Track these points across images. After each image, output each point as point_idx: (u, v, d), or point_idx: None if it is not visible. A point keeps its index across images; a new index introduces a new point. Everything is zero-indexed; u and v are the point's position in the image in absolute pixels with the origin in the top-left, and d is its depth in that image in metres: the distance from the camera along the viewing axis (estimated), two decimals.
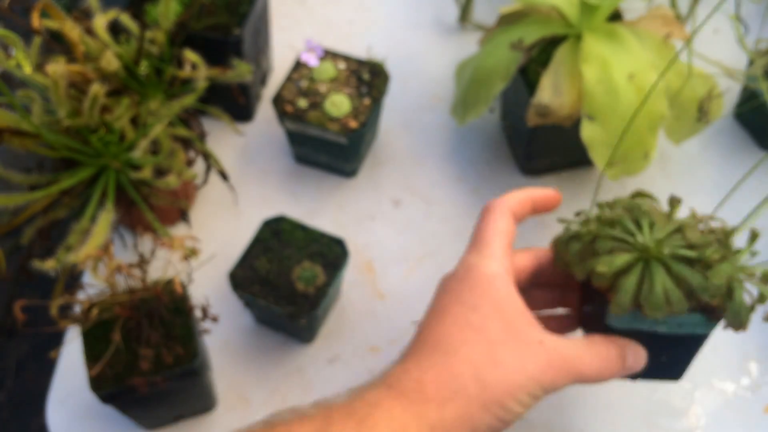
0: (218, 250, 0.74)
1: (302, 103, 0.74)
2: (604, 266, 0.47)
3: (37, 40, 0.61)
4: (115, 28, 0.67)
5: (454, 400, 0.44)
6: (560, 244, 0.53)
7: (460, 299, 0.49)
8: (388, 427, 0.42)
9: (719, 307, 0.48)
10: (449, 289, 0.50)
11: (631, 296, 0.47)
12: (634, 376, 0.53)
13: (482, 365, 0.46)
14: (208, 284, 0.72)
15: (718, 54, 0.83)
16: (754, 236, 0.52)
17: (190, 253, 0.60)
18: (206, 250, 0.72)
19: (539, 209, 0.56)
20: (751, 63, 0.78)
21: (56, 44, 0.66)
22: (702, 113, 0.71)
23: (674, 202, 0.52)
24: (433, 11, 0.95)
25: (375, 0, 0.97)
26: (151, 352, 0.57)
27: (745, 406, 0.68)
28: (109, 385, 0.56)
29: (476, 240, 0.52)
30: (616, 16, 0.74)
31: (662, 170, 0.82)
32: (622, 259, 0.48)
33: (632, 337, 0.51)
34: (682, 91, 0.70)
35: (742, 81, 0.80)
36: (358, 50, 0.85)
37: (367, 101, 0.75)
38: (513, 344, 0.47)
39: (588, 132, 0.67)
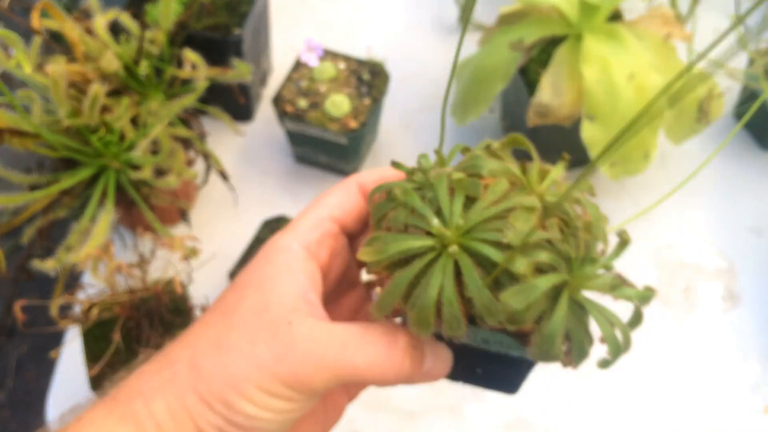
0: (218, 250, 0.74)
1: (302, 103, 0.74)
2: (369, 254, 0.35)
3: (37, 40, 0.61)
4: (115, 28, 0.67)
5: (164, 392, 0.34)
6: (373, 205, 0.39)
7: (233, 287, 0.38)
8: None
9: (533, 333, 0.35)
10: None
11: (399, 296, 0.35)
12: (457, 378, 0.41)
13: (203, 350, 0.35)
14: (208, 284, 0.72)
15: (718, 54, 0.83)
16: (623, 242, 0.38)
17: (190, 253, 0.60)
18: (206, 250, 0.72)
19: None
20: (751, 62, 0.78)
21: (56, 44, 0.66)
22: (702, 113, 0.71)
23: (543, 170, 0.38)
24: (433, 11, 0.95)
25: (375, 0, 0.96)
26: (151, 352, 0.56)
27: (745, 406, 0.68)
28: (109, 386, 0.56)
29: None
30: (616, 16, 0.74)
31: (662, 170, 0.82)
32: (398, 246, 0.35)
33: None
34: (682, 91, 0.69)
35: (742, 81, 0.80)
36: (358, 50, 0.85)
37: (367, 101, 0.75)
38: (251, 326, 0.35)
39: (588, 132, 0.67)
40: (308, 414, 0.40)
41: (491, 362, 0.39)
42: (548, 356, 0.34)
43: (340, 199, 0.40)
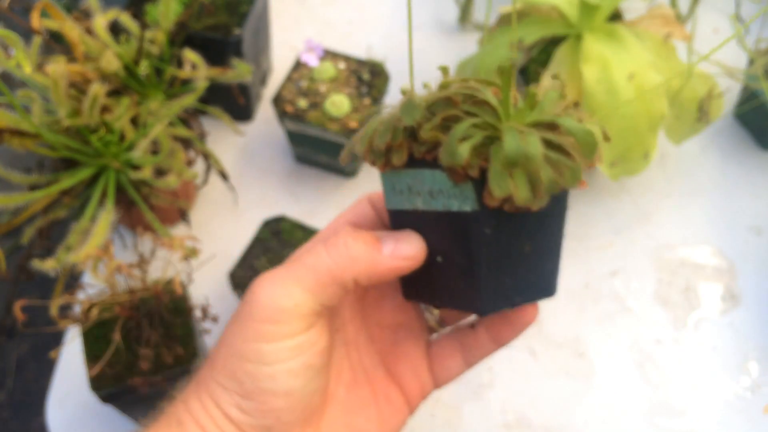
0: (218, 250, 0.74)
1: (302, 103, 0.74)
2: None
3: (37, 40, 0.61)
4: (115, 28, 0.67)
5: (197, 391, 0.37)
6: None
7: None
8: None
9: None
10: None
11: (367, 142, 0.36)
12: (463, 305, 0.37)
13: (213, 353, 0.39)
14: (208, 284, 0.72)
15: (718, 54, 0.83)
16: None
17: (190, 253, 0.60)
18: (206, 250, 0.72)
19: None
20: (751, 62, 0.78)
21: (56, 44, 0.66)
22: (702, 113, 0.71)
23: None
24: (433, 11, 0.95)
25: (375, 0, 0.96)
26: (151, 352, 0.56)
27: (745, 406, 0.68)
28: (109, 385, 0.56)
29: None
30: (616, 16, 0.74)
31: (662, 170, 0.82)
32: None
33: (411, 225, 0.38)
34: (682, 91, 0.70)
35: (742, 81, 0.80)
36: (358, 50, 0.85)
37: (367, 101, 0.75)
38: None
39: None
40: (357, 407, 0.41)
41: (451, 237, 0.36)
42: (451, 156, 0.32)
43: (354, 212, 0.42)
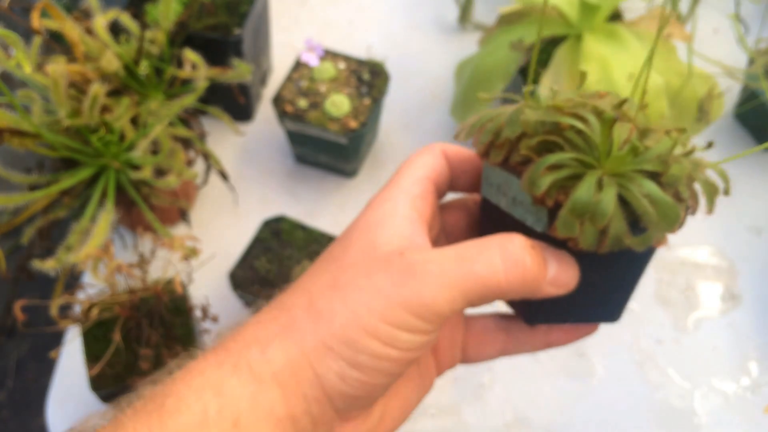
0: (218, 250, 0.74)
1: (302, 103, 0.74)
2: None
3: (37, 40, 0.61)
4: (115, 28, 0.67)
5: (283, 338, 0.33)
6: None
7: (339, 239, 0.37)
8: (198, 391, 0.32)
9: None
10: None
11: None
12: (560, 317, 0.38)
13: (319, 292, 0.34)
14: (208, 284, 0.72)
15: (718, 54, 0.83)
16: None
17: (190, 253, 0.60)
18: (206, 250, 0.72)
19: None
20: (751, 62, 0.78)
21: (56, 44, 0.66)
22: (702, 113, 0.71)
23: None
24: (433, 11, 0.95)
25: (375, 0, 0.96)
26: (151, 352, 0.57)
27: (745, 406, 0.68)
28: (109, 385, 0.56)
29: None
30: (616, 16, 0.74)
31: None
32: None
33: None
34: (682, 91, 0.70)
35: (742, 81, 0.80)
36: (358, 50, 0.85)
37: (367, 101, 0.75)
38: (364, 263, 0.34)
39: None
40: (406, 377, 0.39)
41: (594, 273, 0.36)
42: (531, 188, 0.33)
43: (432, 161, 0.39)
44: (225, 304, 0.72)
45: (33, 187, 0.63)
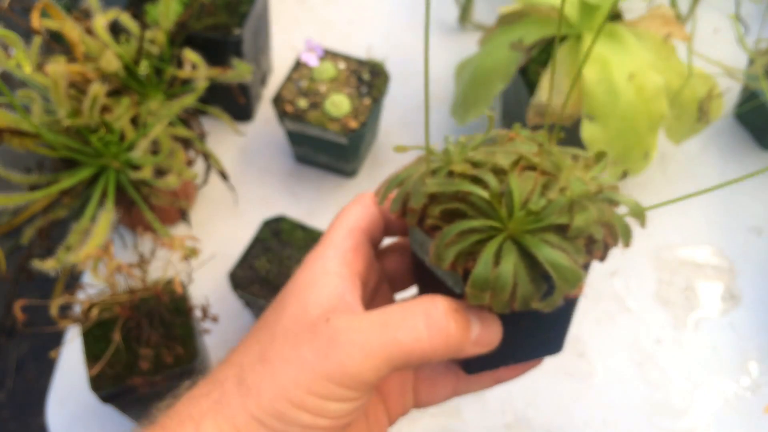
0: (218, 250, 0.74)
1: (302, 103, 0.74)
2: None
3: (37, 40, 0.61)
4: (115, 28, 0.67)
5: (214, 413, 0.33)
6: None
7: (274, 303, 0.38)
8: None
9: None
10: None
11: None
12: (497, 361, 0.40)
13: (249, 365, 0.34)
14: (208, 284, 0.72)
15: (718, 54, 0.83)
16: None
17: (190, 253, 0.60)
18: (206, 250, 0.72)
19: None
20: (751, 62, 0.78)
21: (56, 44, 0.66)
22: (702, 113, 0.71)
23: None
24: (433, 11, 0.95)
25: (375, 0, 0.96)
26: (151, 352, 0.57)
27: (745, 406, 0.68)
28: (109, 385, 0.56)
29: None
30: (616, 16, 0.74)
31: (662, 170, 0.82)
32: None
33: None
34: (682, 91, 0.70)
35: (742, 81, 0.80)
36: (358, 50, 0.85)
37: (367, 101, 0.75)
38: (292, 332, 0.34)
39: (588, 132, 0.67)
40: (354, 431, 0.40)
41: (522, 324, 0.38)
42: (437, 260, 0.34)
43: (362, 210, 0.40)
44: (225, 304, 0.72)
45: (33, 187, 0.63)
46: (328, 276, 0.36)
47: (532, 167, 0.35)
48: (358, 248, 0.38)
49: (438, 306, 0.34)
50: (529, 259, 0.33)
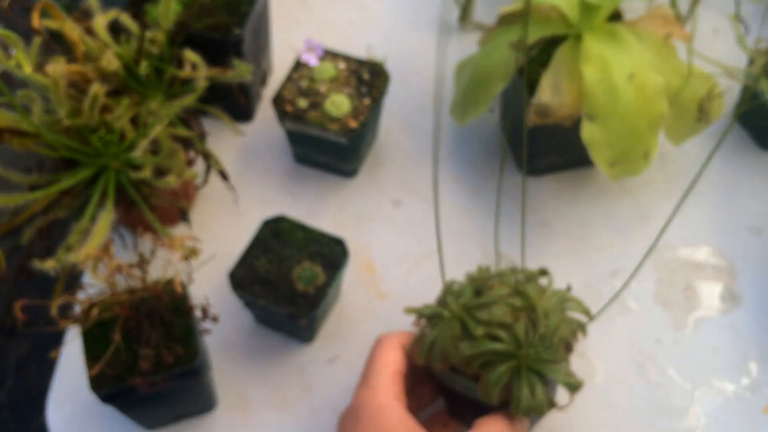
0: (218, 250, 0.74)
1: (302, 103, 0.74)
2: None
3: (37, 40, 0.61)
4: (115, 28, 0.67)
5: None
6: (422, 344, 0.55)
7: None
8: None
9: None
10: (345, 427, 0.52)
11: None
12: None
13: None
14: (208, 284, 0.72)
15: (718, 54, 0.83)
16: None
17: (190, 253, 0.60)
18: (206, 250, 0.72)
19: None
20: (751, 62, 0.78)
21: (56, 44, 0.66)
22: (702, 113, 0.71)
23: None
24: (433, 11, 0.95)
25: (375, 0, 0.96)
26: (151, 352, 0.57)
27: (745, 406, 0.68)
28: (109, 385, 0.56)
29: (366, 373, 0.54)
30: (616, 16, 0.74)
31: (662, 170, 0.82)
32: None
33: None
34: (682, 91, 0.70)
35: (742, 81, 0.80)
36: (358, 50, 0.85)
37: (367, 101, 0.75)
38: None
39: (588, 132, 0.67)
40: None
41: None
42: (487, 397, 0.51)
43: (395, 355, 0.54)
44: (225, 304, 0.72)
45: (33, 187, 0.63)
46: (403, 422, 0.50)
47: (519, 308, 0.53)
48: (401, 389, 0.53)
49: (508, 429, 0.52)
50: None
